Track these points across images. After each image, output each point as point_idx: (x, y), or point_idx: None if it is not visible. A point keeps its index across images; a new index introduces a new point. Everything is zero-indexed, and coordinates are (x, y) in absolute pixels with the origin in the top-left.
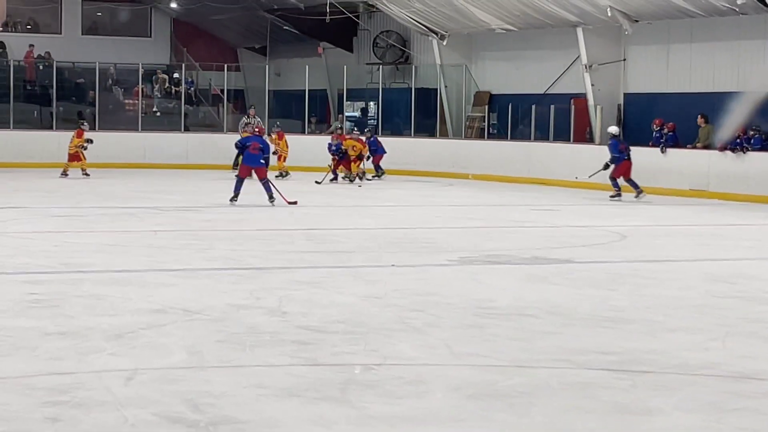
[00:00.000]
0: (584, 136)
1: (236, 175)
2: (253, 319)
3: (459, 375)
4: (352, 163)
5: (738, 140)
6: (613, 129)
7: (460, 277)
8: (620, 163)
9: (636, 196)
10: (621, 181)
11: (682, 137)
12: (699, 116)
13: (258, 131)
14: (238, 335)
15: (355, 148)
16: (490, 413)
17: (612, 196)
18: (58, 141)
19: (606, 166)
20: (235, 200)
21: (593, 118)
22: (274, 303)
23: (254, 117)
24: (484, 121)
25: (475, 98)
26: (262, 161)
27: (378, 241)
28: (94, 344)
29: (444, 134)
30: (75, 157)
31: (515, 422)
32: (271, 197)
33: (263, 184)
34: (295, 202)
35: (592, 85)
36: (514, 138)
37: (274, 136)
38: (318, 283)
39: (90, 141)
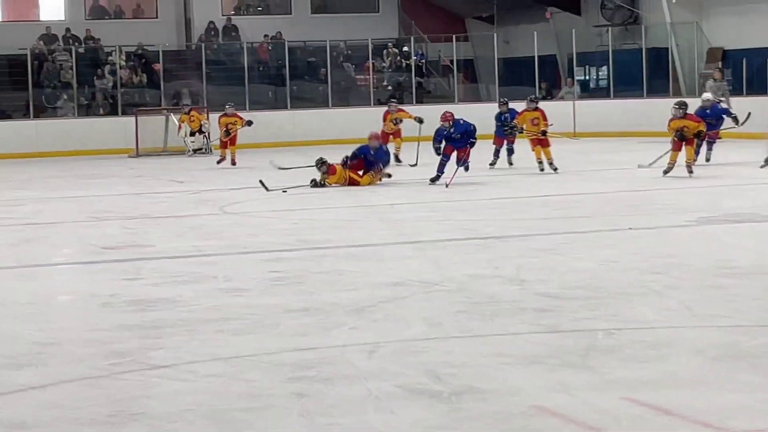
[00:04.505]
0: None
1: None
2: (491, 288)
3: (701, 337)
4: None
5: None
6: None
7: (700, 238)
8: None
9: None
10: None
11: None
12: None
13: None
14: (477, 305)
15: None
16: (734, 374)
17: None
18: (292, 120)
19: None
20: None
21: None
22: (513, 271)
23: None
24: None
25: (708, 55)
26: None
27: (614, 205)
28: (336, 319)
29: (677, 93)
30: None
31: (760, 383)
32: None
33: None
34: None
35: None
36: (750, 93)
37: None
38: (555, 250)
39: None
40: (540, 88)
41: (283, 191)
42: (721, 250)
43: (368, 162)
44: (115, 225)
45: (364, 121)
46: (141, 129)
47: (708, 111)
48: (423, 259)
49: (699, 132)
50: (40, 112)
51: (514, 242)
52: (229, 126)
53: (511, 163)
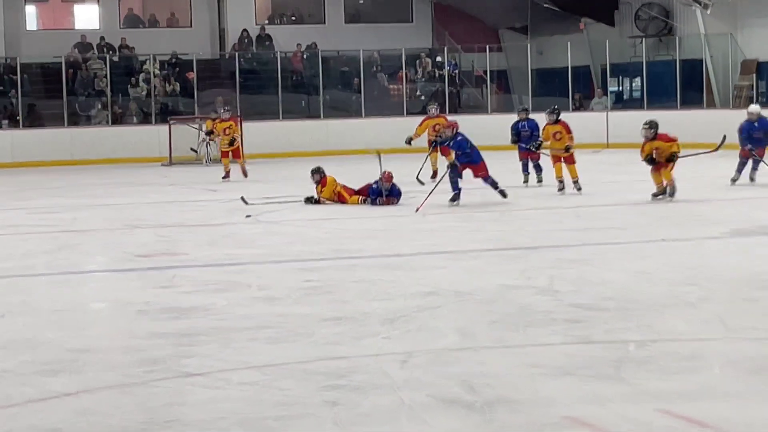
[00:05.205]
0: None
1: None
2: (524, 298)
3: (735, 349)
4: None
5: None
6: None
7: (733, 250)
8: None
9: None
10: None
11: None
12: None
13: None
14: (510, 315)
15: None
16: None
17: None
18: (326, 129)
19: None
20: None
21: None
22: (545, 282)
23: None
24: (752, 90)
25: (742, 67)
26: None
27: (646, 216)
28: (368, 328)
29: (711, 105)
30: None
31: None
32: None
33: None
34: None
35: None
36: None
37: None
38: (588, 261)
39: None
40: (573, 99)
41: (247, 216)
42: (754, 262)
43: (377, 193)
44: (148, 233)
45: (397, 131)
46: (174, 137)
47: (756, 124)
48: (456, 269)
49: (672, 155)
50: (75, 120)
51: (546, 253)
52: (227, 131)
53: (540, 180)
